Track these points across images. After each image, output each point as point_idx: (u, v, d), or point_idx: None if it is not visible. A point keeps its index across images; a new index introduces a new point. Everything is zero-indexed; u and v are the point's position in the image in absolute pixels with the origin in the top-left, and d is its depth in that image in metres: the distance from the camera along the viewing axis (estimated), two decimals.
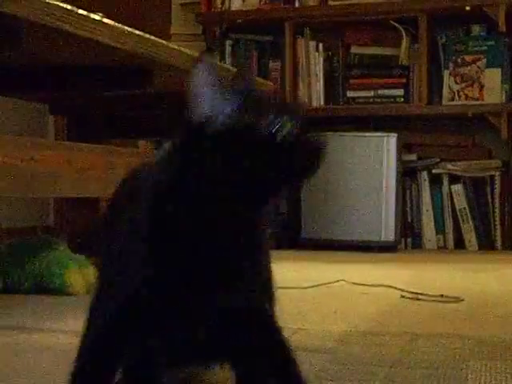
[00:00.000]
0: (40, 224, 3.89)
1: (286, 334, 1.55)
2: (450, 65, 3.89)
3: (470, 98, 3.86)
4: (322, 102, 4.06)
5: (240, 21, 4.09)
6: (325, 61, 4.07)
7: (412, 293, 2.12)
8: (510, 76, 3.84)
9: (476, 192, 3.82)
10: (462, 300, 1.99)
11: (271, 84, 2.72)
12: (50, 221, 4.00)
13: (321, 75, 4.06)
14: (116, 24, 1.77)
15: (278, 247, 3.78)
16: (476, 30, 3.92)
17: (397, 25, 3.94)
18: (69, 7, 1.61)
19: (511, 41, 3.84)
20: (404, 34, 3.94)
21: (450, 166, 3.86)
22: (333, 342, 1.48)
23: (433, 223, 3.86)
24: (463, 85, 3.87)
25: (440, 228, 3.85)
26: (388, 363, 1.28)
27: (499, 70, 3.82)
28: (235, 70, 1.00)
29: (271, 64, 4.15)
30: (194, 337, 0.91)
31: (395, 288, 2.20)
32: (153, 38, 1.92)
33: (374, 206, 3.70)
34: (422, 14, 3.86)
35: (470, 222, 3.79)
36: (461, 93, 3.87)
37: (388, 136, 3.73)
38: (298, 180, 0.96)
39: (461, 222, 3.81)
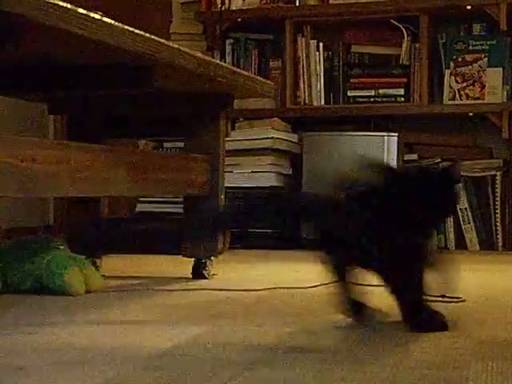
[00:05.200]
0: (40, 224, 3.89)
1: (285, 333, 1.55)
2: (451, 64, 3.89)
3: (470, 97, 3.85)
4: (323, 102, 4.06)
5: (240, 20, 4.08)
6: (325, 60, 4.07)
7: None
8: (511, 75, 3.83)
9: (477, 192, 3.82)
10: (464, 300, 1.99)
11: (271, 83, 2.71)
12: (49, 221, 3.99)
13: (321, 74, 4.06)
14: (116, 23, 1.76)
15: (278, 247, 3.78)
16: (477, 29, 3.91)
17: (398, 24, 3.93)
18: (69, 6, 1.60)
19: None
20: (405, 33, 3.93)
21: None
22: (333, 342, 1.48)
23: None
24: (464, 84, 3.86)
25: (441, 228, 3.84)
26: (389, 363, 1.28)
27: (500, 69, 3.82)
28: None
29: (271, 63, 4.14)
30: None
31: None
32: (153, 37, 1.92)
33: None
34: (422, 13, 3.86)
35: (471, 222, 3.79)
36: (462, 92, 3.86)
37: (388, 136, 3.73)
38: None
39: (462, 222, 3.80)
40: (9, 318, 1.76)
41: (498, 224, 3.77)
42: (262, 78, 2.67)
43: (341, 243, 1.64)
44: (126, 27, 1.80)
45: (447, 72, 3.89)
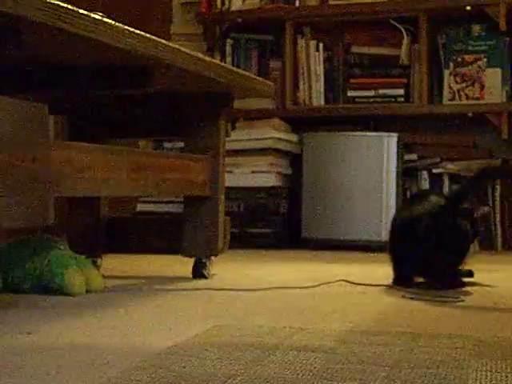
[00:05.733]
0: (40, 224, 3.89)
1: (286, 333, 1.55)
2: (451, 64, 3.89)
3: (470, 97, 3.86)
4: (323, 102, 4.07)
5: (240, 20, 4.09)
6: (325, 60, 4.07)
7: (412, 293, 2.12)
8: (511, 76, 3.84)
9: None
10: (463, 300, 1.99)
11: (271, 84, 2.72)
12: (50, 221, 3.99)
13: (321, 75, 4.06)
14: (116, 23, 1.77)
15: (278, 247, 3.78)
16: (476, 29, 3.92)
17: (397, 24, 3.94)
18: (69, 7, 1.60)
19: None
20: (404, 34, 3.94)
21: (450, 166, 3.86)
22: (333, 341, 1.48)
23: None
24: (463, 84, 3.87)
25: None
26: (388, 363, 1.28)
27: (499, 69, 3.82)
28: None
29: (272, 64, 4.15)
30: None
31: (395, 288, 2.20)
32: (153, 37, 1.92)
33: (373, 206, 3.70)
34: (422, 14, 3.86)
35: None
36: (461, 92, 3.86)
37: (388, 136, 3.74)
38: None
39: None
40: (9, 318, 1.76)
41: (497, 224, 3.78)
42: (261, 79, 2.67)
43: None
44: (126, 28, 1.81)
45: (447, 72, 3.90)
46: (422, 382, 1.17)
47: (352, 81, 4.03)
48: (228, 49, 4.17)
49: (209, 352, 1.38)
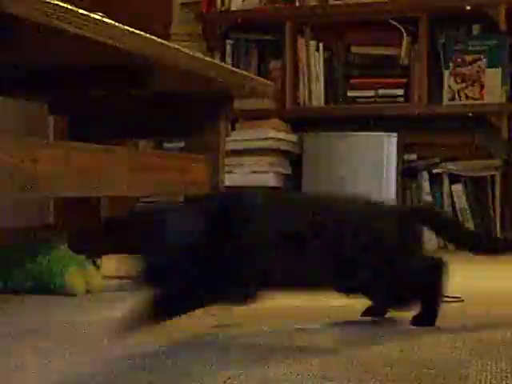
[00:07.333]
0: (40, 224, 3.89)
1: (286, 333, 1.55)
2: (451, 64, 3.89)
3: (470, 97, 3.86)
4: (322, 102, 4.06)
5: (240, 20, 4.09)
6: (325, 60, 4.07)
7: None
8: (511, 76, 3.84)
9: (476, 192, 3.82)
10: (462, 300, 1.99)
11: (271, 84, 2.72)
12: (49, 221, 4.00)
13: (321, 75, 4.06)
14: (116, 24, 1.77)
15: None
16: (476, 29, 3.92)
17: (397, 24, 3.94)
18: (69, 7, 1.60)
19: None
20: (404, 34, 3.93)
21: (450, 166, 3.86)
22: (333, 341, 1.48)
23: None
24: (463, 85, 3.87)
25: None
26: (388, 363, 1.28)
27: (499, 69, 3.82)
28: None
29: (272, 64, 4.15)
30: None
31: None
32: (153, 37, 1.92)
33: None
34: (422, 14, 3.86)
35: (471, 222, 3.79)
36: (461, 93, 3.86)
37: (388, 136, 3.73)
38: None
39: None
40: (8, 318, 1.76)
41: (498, 224, 3.78)
42: (261, 79, 2.67)
43: None
44: (126, 28, 1.81)
45: (446, 72, 3.89)
46: (422, 382, 1.17)
47: (352, 81, 4.03)
48: (228, 49, 4.16)
49: (209, 352, 1.38)
